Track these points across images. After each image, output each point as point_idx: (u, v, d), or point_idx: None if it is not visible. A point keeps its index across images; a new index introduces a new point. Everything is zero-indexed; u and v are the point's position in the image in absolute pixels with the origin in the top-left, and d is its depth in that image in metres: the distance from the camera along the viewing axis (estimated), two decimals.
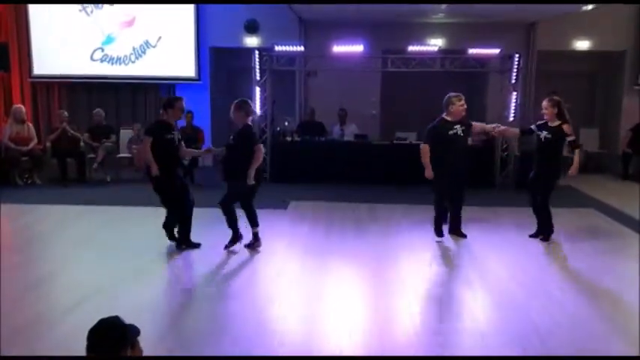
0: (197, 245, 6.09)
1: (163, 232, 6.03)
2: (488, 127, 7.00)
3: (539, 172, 6.47)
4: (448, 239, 6.53)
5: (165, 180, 5.81)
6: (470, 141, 7.00)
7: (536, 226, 6.67)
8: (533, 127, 6.66)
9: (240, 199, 6.02)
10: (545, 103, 6.50)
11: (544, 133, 6.43)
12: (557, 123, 6.40)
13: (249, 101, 6.21)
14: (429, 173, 6.37)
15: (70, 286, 5.03)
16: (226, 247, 5.98)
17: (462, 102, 6.38)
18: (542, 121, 6.54)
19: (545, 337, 4.05)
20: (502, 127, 7.09)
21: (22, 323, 4.18)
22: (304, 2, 9.74)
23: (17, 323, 4.17)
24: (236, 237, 6.01)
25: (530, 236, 6.65)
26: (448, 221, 6.62)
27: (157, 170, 5.72)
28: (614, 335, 4.13)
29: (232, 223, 5.95)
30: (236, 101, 5.99)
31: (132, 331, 2.22)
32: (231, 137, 5.96)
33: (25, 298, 4.73)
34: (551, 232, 6.56)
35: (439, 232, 6.55)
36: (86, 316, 4.22)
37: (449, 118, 6.38)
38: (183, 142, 6.22)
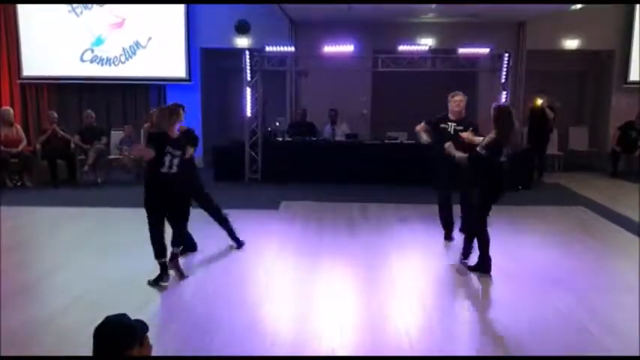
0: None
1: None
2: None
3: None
4: (441, 240, 6.55)
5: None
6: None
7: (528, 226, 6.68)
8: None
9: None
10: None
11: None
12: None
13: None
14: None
15: (61, 288, 5.01)
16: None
17: (455, 98, 6.25)
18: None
19: (538, 336, 4.07)
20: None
21: (13, 326, 4.16)
22: (295, 2, 9.73)
23: (8, 326, 4.15)
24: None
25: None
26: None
27: None
28: (608, 335, 4.15)
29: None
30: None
31: (140, 328, 2.16)
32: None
33: (15, 301, 4.70)
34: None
35: (445, 235, 6.49)
36: (76, 320, 4.24)
37: (448, 114, 6.29)
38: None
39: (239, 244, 6.20)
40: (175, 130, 5.15)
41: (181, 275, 5.28)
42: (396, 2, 9.36)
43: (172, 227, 5.35)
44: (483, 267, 5.41)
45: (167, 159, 5.02)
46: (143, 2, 11.13)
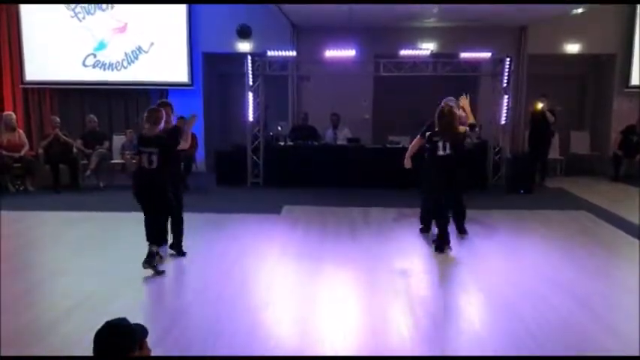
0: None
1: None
2: None
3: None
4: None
5: None
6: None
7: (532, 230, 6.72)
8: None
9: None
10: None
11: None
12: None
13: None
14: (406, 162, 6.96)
15: (62, 292, 5.01)
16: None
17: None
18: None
19: (540, 340, 4.07)
20: None
21: (15, 328, 4.17)
22: (296, 2, 9.72)
23: (9, 328, 4.15)
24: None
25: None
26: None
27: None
28: (609, 337, 4.15)
29: None
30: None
31: (140, 332, 2.19)
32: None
33: (17, 304, 4.70)
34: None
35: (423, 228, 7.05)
36: (78, 324, 4.25)
37: None
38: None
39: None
40: (153, 130, 5.52)
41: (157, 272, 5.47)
42: (396, 2, 9.33)
43: (154, 221, 5.66)
44: (437, 244, 6.18)
45: (144, 157, 5.49)
46: (147, 2, 11.16)
